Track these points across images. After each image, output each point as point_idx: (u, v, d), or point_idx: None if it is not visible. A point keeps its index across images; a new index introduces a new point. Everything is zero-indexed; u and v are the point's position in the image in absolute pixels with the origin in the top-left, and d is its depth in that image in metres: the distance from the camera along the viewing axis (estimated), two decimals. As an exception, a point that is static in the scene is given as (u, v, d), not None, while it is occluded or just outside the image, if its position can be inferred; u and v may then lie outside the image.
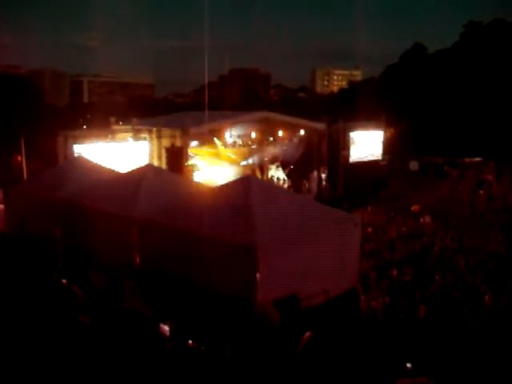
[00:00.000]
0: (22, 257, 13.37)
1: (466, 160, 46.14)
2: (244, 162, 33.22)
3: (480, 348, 11.64)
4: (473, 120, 48.99)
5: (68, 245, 14.91)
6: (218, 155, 32.45)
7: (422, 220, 26.06)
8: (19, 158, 34.36)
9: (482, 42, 54.04)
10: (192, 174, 28.92)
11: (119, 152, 26.62)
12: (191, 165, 29.28)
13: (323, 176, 35.38)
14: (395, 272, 17.82)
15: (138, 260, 13.94)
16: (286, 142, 34.92)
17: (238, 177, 22.78)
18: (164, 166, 27.02)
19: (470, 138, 47.16)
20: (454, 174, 40.94)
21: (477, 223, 24.43)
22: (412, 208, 28.75)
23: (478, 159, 46.36)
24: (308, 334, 4.36)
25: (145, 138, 28.47)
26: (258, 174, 32.12)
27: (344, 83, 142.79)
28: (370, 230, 23.44)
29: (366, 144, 38.33)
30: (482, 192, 32.81)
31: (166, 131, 29.00)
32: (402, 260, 19.33)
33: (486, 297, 14.89)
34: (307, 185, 34.41)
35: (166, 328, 4.11)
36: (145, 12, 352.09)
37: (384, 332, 12.43)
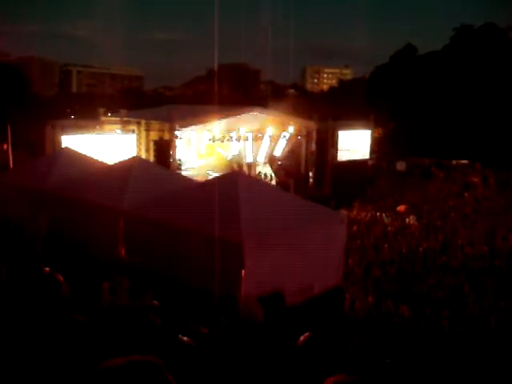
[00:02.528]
0: (5, 244, 13.28)
1: (453, 162, 46.48)
2: (231, 158, 33.20)
3: (459, 349, 11.74)
4: (461, 122, 49.33)
5: (52, 235, 14.84)
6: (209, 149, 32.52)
7: (407, 220, 26.19)
8: (5, 147, 34.09)
9: (473, 46, 54.37)
10: (180, 168, 28.87)
11: (107, 143, 26.52)
12: (179, 159, 29.20)
13: (310, 174, 35.44)
14: (379, 272, 17.92)
15: (123, 253, 13.91)
16: (275, 138, 34.94)
17: (226, 172, 22.79)
18: (152, 158, 26.95)
19: (457, 141, 47.52)
20: (441, 176, 41.18)
21: (462, 225, 24.61)
22: (398, 208, 28.88)
23: (464, 161, 46.71)
24: (307, 334, 4.36)
25: (133, 131, 28.37)
26: (246, 170, 32.11)
27: (334, 82, 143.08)
28: (355, 228, 23.52)
29: (354, 143, 38.43)
30: (467, 194, 33.04)
31: (155, 124, 28.92)
32: (386, 259, 19.43)
33: (468, 298, 15.02)
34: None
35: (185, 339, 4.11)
36: (136, 3, 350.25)
37: (366, 331, 12.49)
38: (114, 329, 3.24)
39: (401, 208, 28.79)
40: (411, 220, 26.12)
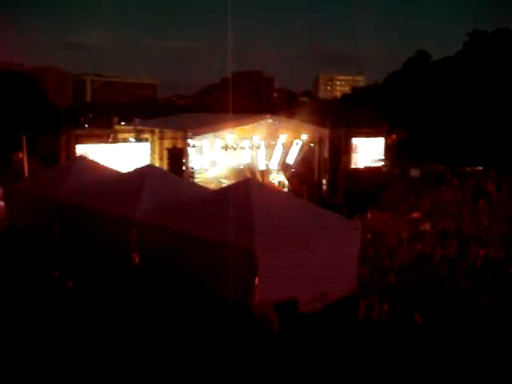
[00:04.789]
0: (22, 252, 13.37)
1: (468, 168, 46.13)
2: (244, 165, 33.19)
3: (476, 356, 11.64)
4: (475, 129, 49.01)
5: (66, 241, 14.93)
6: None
7: (422, 227, 26.00)
8: (20, 156, 34.32)
9: (486, 51, 54.07)
10: (193, 176, 28.91)
11: (121, 152, 26.63)
12: (192, 167, 29.25)
13: (324, 181, 35.36)
14: (393, 279, 17.79)
15: (137, 260, 13.95)
16: (288, 145, 34.93)
17: (239, 180, 22.79)
18: (165, 167, 27.01)
19: (471, 147, 47.19)
20: (455, 182, 40.88)
21: (476, 231, 24.40)
22: (412, 215, 28.69)
23: (479, 168, 46.35)
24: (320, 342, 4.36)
25: (146, 139, 28.47)
26: (259, 178, 32.09)
27: (347, 89, 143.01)
28: (369, 235, 23.39)
29: (368, 150, 38.31)
30: (482, 201, 32.76)
31: (168, 132, 29.00)
32: (401, 267, 19.29)
33: (486, 305, 14.89)
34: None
35: None
36: (149, 13, 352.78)
37: (381, 339, 12.41)
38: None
39: (415, 215, 28.60)
40: (426, 227, 25.93)
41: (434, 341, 12.47)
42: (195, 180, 27.91)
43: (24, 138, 31.05)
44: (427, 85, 55.43)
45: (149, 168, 18.25)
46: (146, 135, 28.70)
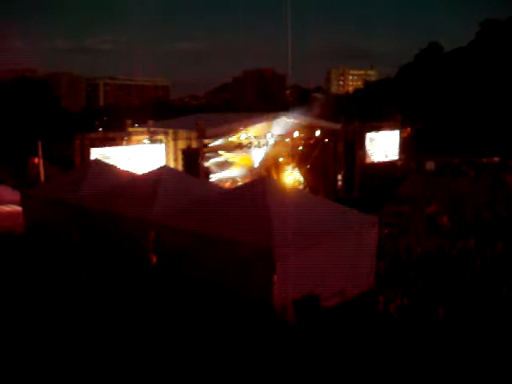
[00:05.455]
0: (41, 257, 13.46)
1: (484, 160, 45.77)
2: (258, 164, 33.19)
3: (500, 350, 11.54)
4: (490, 119, 48.61)
5: (84, 245, 15.01)
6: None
7: (439, 221, 25.86)
8: (36, 161, 34.56)
9: (499, 40, 53.59)
10: (208, 176, 28.98)
11: (135, 154, 26.73)
12: (207, 167, 29.31)
13: (339, 177, 35.29)
14: (413, 273, 17.70)
15: (154, 261, 14.00)
16: (302, 142, 34.90)
17: (254, 178, 22.80)
18: (180, 167, 27.07)
19: (487, 138, 46.81)
20: (471, 174, 40.61)
21: (494, 224, 24.21)
22: (429, 208, 28.55)
23: (495, 159, 45.97)
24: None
25: (161, 141, 28.55)
26: (274, 175, 32.07)
27: (359, 83, 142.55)
28: (386, 230, 23.31)
29: (382, 144, 38.17)
30: (499, 192, 32.49)
31: (182, 133, 29.06)
32: (419, 261, 19.19)
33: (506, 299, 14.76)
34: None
35: None
36: (160, 14, 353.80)
37: (402, 334, 12.35)
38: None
39: (432, 208, 28.45)
40: (443, 220, 25.78)
41: (456, 335, 12.39)
42: (210, 180, 27.97)
43: (39, 143, 31.27)
44: (440, 76, 55.07)
45: (164, 169, 18.29)
46: (160, 137, 28.77)
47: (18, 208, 20.52)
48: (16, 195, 21.77)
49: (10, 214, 20.77)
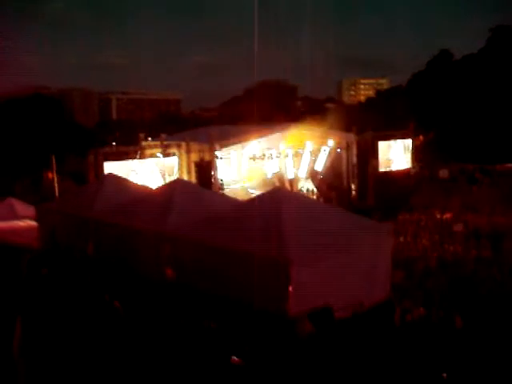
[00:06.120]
0: (55, 270, 13.51)
1: (498, 167, 45.49)
2: (272, 175, 33.20)
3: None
4: (503, 126, 48.36)
5: (99, 259, 15.05)
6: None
7: (453, 228, 25.71)
8: (50, 176, 34.83)
9: (510, 46, 53.41)
10: (221, 188, 29.05)
11: (149, 168, 26.87)
12: (220, 179, 29.39)
13: (353, 186, 35.25)
14: (428, 282, 17.60)
15: (170, 275, 14.01)
16: (316, 153, 34.91)
17: (268, 189, 22.79)
18: (194, 180, 27.17)
19: (500, 145, 46.56)
20: (486, 182, 40.36)
21: (510, 231, 24.01)
22: (443, 216, 28.41)
23: (509, 165, 45.66)
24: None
25: (174, 154, 28.68)
26: (288, 186, 32.08)
27: (371, 92, 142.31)
28: (401, 239, 23.22)
29: (395, 153, 38.09)
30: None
31: (195, 146, 29.18)
32: (435, 269, 19.09)
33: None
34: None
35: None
36: (171, 27, 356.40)
37: (419, 343, 12.26)
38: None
39: (447, 216, 28.31)
40: (458, 227, 25.63)
41: (474, 344, 12.27)
42: (224, 192, 28.02)
43: (53, 158, 31.53)
44: (452, 83, 54.93)
45: (178, 182, 18.36)
46: (173, 150, 28.91)
47: (33, 223, 20.65)
48: (31, 210, 21.94)
49: (25, 229, 20.92)
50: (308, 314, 9.23)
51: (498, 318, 13.76)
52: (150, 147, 30.11)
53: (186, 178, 26.81)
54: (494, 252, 20.75)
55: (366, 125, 38.43)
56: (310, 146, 34.21)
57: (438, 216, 28.64)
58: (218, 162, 29.23)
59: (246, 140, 30.71)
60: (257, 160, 32.10)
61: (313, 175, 35.39)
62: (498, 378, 10.21)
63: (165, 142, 29.91)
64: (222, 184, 29.49)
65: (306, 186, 34.64)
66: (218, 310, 10.68)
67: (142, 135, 32.53)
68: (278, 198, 13.80)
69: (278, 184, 31.36)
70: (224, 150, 29.61)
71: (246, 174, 32.92)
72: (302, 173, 35.00)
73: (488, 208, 29.44)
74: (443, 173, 45.47)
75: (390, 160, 37.57)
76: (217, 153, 28.82)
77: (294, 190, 32.48)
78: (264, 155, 32.17)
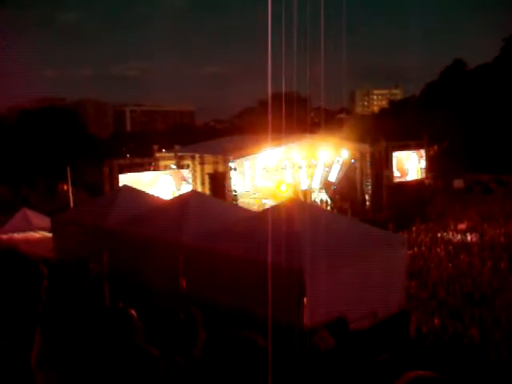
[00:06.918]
0: (69, 283, 13.54)
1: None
2: (285, 186, 33.18)
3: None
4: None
5: (114, 272, 15.08)
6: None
7: (469, 238, 25.57)
8: (65, 187, 35.09)
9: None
10: (235, 199, 29.08)
11: (163, 179, 26.98)
12: (234, 190, 29.44)
13: (367, 197, 35.17)
14: (443, 292, 17.50)
15: (184, 285, 14.02)
16: (329, 163, 34.89)
17: (281, 200, 22.79)
18: (207, 191, 27.25)
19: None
20: (501, 192, 40.14)
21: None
22: (458, 226, 28.27)
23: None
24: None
25: (188, 165, 28.79)
26: (301, 197, 32.05)
27: (384, 103, 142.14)
28: (416, 249, 23.12)
29: (409, 163, 38.00)
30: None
31: (209, 157, 29.28)
32: (450, 280, 18.97)
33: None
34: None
35: None
36: (184, 39, 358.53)
37: (434, 356, 12.17)
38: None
39: (461, 226, 28.16)
40: (473, 238, 25.50)
41: (490, 357, 12.16)
42: (238, 203, 28.06)
43: (68, 169, 31.76)
44: (466, 93, 54.78)
45: (192, 194, 18.41)
46: (187, 161, 29.03)
47: (48, 234, 20.76)
48: (46, 221, 22.05)
49: (40, 240, 21.03)
50: (326, 326, 9.18)
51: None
52: (164, 159, 30.27)
53: (199, 189, 26.88)
54: (510, 263, 20.59)
55: (380, 135, 38.41)
56: (323, 156, 34.19)
57: (453, 226, 28.50)
58: (232, 173, 29.30)
59: (259, 151, 30.76)
60: (270, 171, 32.12)
61: (326, 186, 35.37)
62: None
63: (179, 154, 30.05)
64: (235, 195, 29.54)
65: (320, 196, 34.61)
66: (232, 321, 10.66)
67: (155, 147, 32.71)
68: (291, 209, 13.80)
69: (291, 195, 31.36)
70: (237, 161, 29.67)
71: (260, 185, 32.95)
72: (316, 184, 34.98)
73: (503, 218, 29.27)
74: (458, 183, 45.33)
75: (404, 170, 37.46)
76: (230, 164, 28.89)
77: (308, 201, 32.45)
78: (278, 166, 32.19)
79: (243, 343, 3.24)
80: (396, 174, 36.94)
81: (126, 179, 25.30)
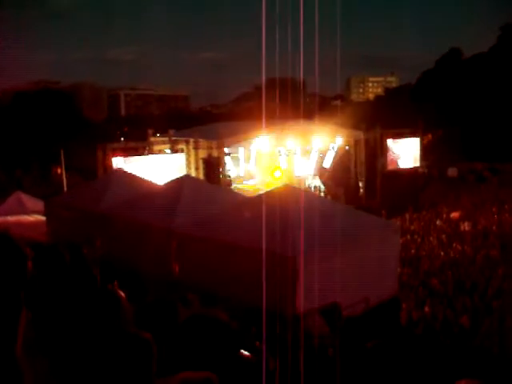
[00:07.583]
0: (65, 265, 13.50)
1: (507, 166, 45.35)
2: (280, 172, 33.16)
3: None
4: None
5: (107, 256, 15.06)
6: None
7: (461, 227, 25.65)
8: (59, 171, 34.97)
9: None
10: (229, 184, 29.06)
11: (157, 164, 26.88)
12: (228, 175, 29.40)
13: (360, 184, 35.18)
14: (435, 280, 17.56)
15: (177, 272, 14.02)
16: (324, 150, 34.86)
17: (275, 186, 22.77)
18: (201, 176, 27.19)
19: (509, 143, 46.38)
20: (494, 180, 40.24)
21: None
22: (451, 215, 28.34)
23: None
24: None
25: (182, 150, 28.70)
26: (296, 184, 32.03)
27: (379, 90, 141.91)
28: (408, 237, 23.18)
29: (404, 151, 37.98)
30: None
31: (203, 142, 29.19)
32: (442, 268, 19.04)
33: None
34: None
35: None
36: (180, 23, 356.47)
37: (425, 343, 12.23)
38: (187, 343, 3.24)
39: (455, 215, 28.23)
40: (466, 226, 25.57)
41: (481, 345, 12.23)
42: (232, 188, 28.03)
43: (62, 152, 31.62)
44: (461, 82, 54.74)
45: (186, 178, 18.36)
46: (181, 146, 28.93)
47: (42, 217, 20.68)
48: (39, 204, 21.96)
49: (34, 224, 20.95)
50: (319, 310, 9.21)
51: (506, 318, 13.71)
52: (158, 143, 30.16)
53: (193, 174, 26.81)
54: (503, 251, 20.67)
55: (375, 122, 38.36)
56: (318, 143, 34.14)
57: (446, 215, 28.59)
58: (227, 159, 29.24)
59: (254, 137, 30.69)
60: (265, 157, 32.08)
61: (321, 172, 35.34)
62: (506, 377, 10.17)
63: (173, 138, 29.95)
64: (229, 180, 29.51)
65: (314, 183, 34.60)
66: (225, 307, 10.67)
67: (150, 131, 32.59)
68: (285, 195, 13.78)
69: (285, 181, 31.35)
70: (232, 146, 29.60)
71: (254, 170, 32.93)
72: (310, 170, 34.96)
73: (496, 207, 29.37)
74: (452, 171, 45.44)
75: (398, 158, 37.44)
76: (225, 149, 28.82)
77: (302, 187, 32.44)
78: (272, 152, 32.14)
79: (207, 321, 3.27)
80: (390, 161, 36.90)
81: (119, 163, 25.20)
